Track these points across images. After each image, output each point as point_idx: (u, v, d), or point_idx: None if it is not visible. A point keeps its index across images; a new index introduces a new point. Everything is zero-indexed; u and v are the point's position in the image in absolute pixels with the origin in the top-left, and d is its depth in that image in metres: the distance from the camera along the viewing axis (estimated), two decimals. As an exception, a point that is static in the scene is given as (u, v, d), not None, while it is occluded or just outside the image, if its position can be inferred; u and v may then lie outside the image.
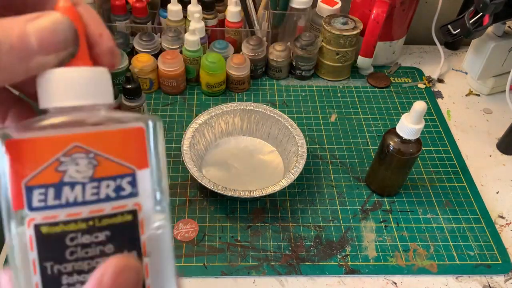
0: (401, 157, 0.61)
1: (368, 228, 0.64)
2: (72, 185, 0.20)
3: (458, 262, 0.61)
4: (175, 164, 0.71)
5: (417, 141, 0.61)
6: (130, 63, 0.79)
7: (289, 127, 0.70)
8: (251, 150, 0.74)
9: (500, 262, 0.61)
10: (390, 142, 0.61)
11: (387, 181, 0.66)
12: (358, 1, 0.85)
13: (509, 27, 0.81)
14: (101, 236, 0.21)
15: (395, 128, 0.61)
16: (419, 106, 0.57)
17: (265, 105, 0.73)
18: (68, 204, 0.20)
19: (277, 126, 0.72)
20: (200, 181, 0.61)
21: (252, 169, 0.71)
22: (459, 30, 0.75)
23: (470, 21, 0.72)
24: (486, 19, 0.71)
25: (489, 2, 0.68)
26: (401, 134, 0.60)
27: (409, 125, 0.58)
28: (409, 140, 0.60)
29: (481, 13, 0.72)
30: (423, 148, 0.75)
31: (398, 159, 0.62)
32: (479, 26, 0.72)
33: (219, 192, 0.61)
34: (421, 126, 0.59)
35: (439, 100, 0.86)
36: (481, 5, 0.69)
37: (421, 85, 0.89)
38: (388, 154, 0.62)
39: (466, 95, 0.88)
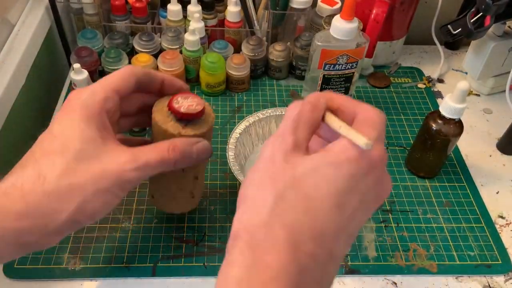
0: (443, 138, 0.65)
1: (368, 228, 0.64)
2: None
3: (458, 262, 0.61)
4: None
5: (459, 123, 0.64)
6: (130, 63, 0.79)
7: None
8: None
9: (500, 262, 0.61)
10: (433, 124, 0.65)
11: (426, 162, 0.69)
12: (358, 1, 0.84)
13: (509, 27, 0.81)
14: None
15: (437, 110, 0.65)
16: (463, 85, 0.61)
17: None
18: None
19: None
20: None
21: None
22: (459, 30, 0.75)
23: (471, 21, 0.72)
24: (488, 20, 0.71)
25: (491, 3, 0.68)
26: (444, 113, 0.63)
27: (453, 104, 0.62)
28: (452, 120, 0.63)
29: (481, 14, 0.72)
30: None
31: (440, 139, 0.65)
32: (479, 26, 0.72)
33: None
34: (464, 105, 0.62)
35: (439, 100, 0.86)
36: (483, 6, 0.69)
37: (421, 85, 0.89)
38: (431, 135, 0.65)
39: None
